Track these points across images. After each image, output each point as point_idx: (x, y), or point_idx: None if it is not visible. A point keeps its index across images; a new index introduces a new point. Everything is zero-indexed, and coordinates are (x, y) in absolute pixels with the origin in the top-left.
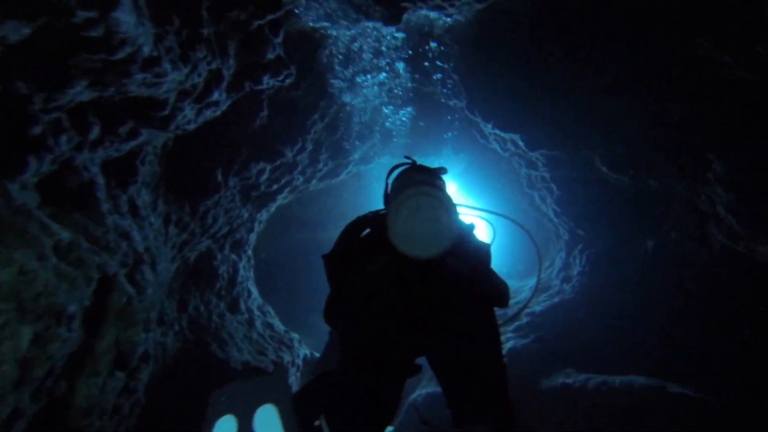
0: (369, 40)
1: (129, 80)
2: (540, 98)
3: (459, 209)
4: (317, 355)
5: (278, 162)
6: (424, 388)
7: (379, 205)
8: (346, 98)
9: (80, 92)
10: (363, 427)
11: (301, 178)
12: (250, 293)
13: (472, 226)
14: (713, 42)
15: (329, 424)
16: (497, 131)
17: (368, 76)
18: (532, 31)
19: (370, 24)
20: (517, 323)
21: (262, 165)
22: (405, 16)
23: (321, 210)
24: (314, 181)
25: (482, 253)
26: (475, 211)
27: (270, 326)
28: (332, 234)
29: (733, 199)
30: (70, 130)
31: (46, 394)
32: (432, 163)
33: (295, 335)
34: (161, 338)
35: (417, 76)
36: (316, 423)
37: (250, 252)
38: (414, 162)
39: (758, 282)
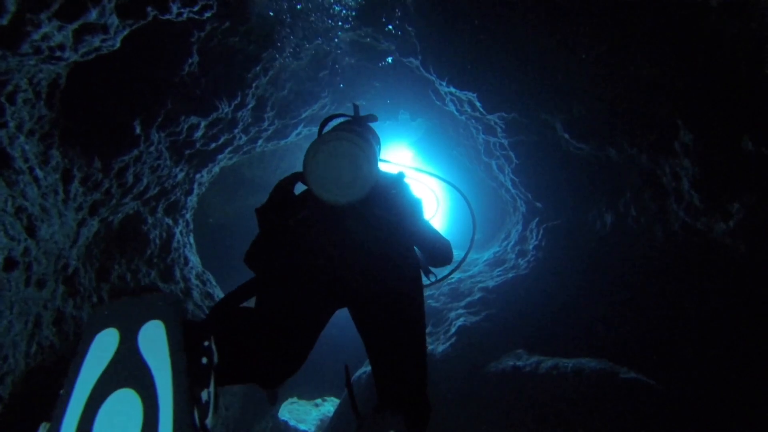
0: None
1: None
2: (498, 54)
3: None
4: None
5: (213, 117)
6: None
7: None
8: (293, 51)
9: None
10: (260, 363)
11: (244, 137)
12: (187, 260)
13: (400, 177)
14: None
15: (219, 348)
16: (453, 89)
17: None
18: None
19: None
20: (469, 299)
21: (194, 119)
22: None
23: (274, 173)
24: (260, 141)
25: (410, 204)
26: (413, 172)
27: (209, 296)
28: None
29: (698, 173)
30: None
31: None
32: (389, 127)
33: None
34: (73, 311)
35: (370, 29)
36: (205, 343)
37: (188, 216)
38: (355, 112)
39: (714, 262)
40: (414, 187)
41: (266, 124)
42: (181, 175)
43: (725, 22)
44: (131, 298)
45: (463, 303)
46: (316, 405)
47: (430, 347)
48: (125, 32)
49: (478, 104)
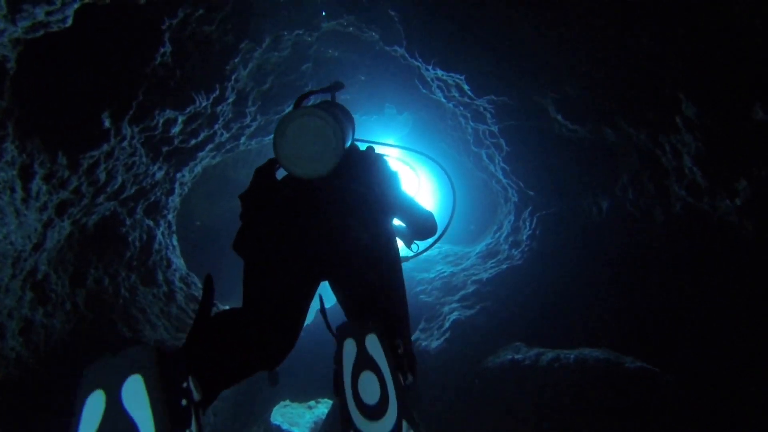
0: None
1: None
2: (487, 32)
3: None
4: None
5: (190, 111)
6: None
7: None
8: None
9: None
10: (256, 347)
11: (226, 134)
12: (170, 263)
13: (371, 150)
14: None
15: (207, 362)
16: (440, 72)
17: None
18: None
19: None
20: (462, 292)
21: (170, 113)
22: None
23: None
24: (243, 138)
25: (385, 176)
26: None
27: (194, 299)
28: None
29: (701, 148)
30: None
31: None
32: (375, 122)
33: (225, 308)
34: (44, 319)
35: (353, 17)
36: (184, 384)
37: (171, 217)
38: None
39: (719, 244)
40: (391, 162)
41: (248, 119)
42: (160, 174)
43: None
44: (112, 356)
45: (456, 297)
46: (310, 407)
47: (423, 344)
48: (75, 5)
49: (466, 87)
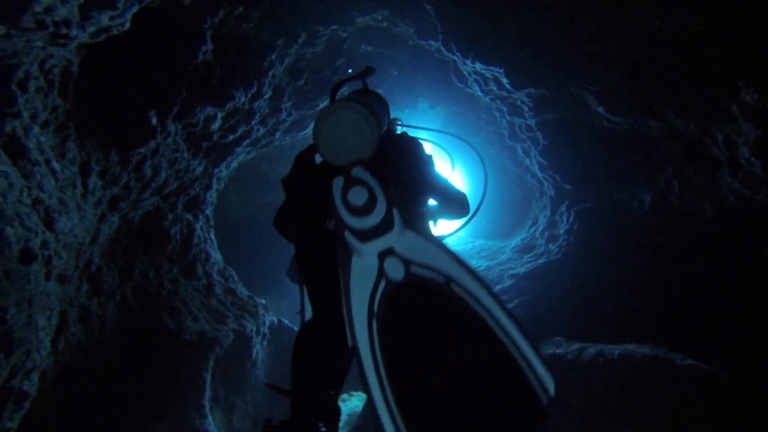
0: None
1: None
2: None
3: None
4: (286, 322)
5: (230, 107)
6: None
7: None
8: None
9: None
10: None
11: (262, 129)
12: (209, 256)
13: (405, 135)
14: None
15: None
16: (478, 65)
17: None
18: None
19: None
20: (499, 286)
21: (210, 110)
22: None
23: None
24: (278, 133)
25: (419, 159)
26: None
27: (232, 292)
28: None
29: (761, 137)
30: None
31: None
32: (407, 116)
33: (261, 301)
34: (98, 309)
35: (387, 12)
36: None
37: (208, 212)
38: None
39: None
40: (425, 146)
41: (284, 115)
42: (199, 169)
43: None
44: None
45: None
46: (343, 401)
47: None
48: (134, 9)
49: (504, 81)
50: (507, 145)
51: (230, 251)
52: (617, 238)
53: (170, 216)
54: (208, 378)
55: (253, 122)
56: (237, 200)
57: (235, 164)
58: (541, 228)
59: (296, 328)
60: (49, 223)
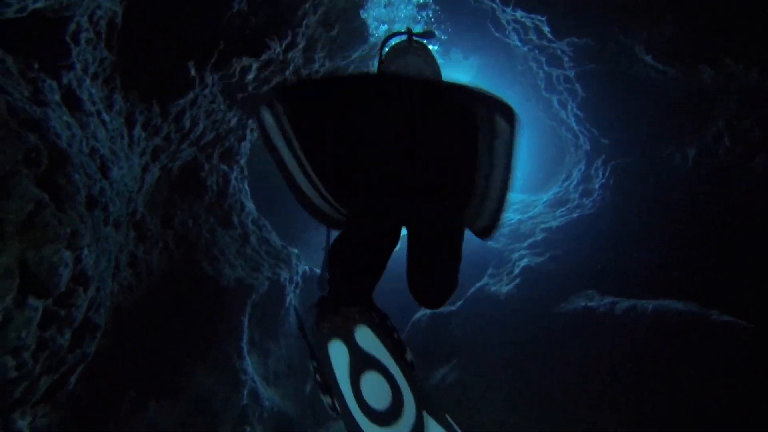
0: None
1: None
2: None
3: None
4: (317, 271)
5: (265, 58)
6: None
7: None
8: None
9: None
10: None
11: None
12: (243, 206)
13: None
14: None
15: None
16: (519, 13)
17: None
18: None
19: None
20: (531, 239)
21: (246, 61)
22: None
23: None
24: None
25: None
26: None
27: (266, 241)
28: None
29: None
30: None
31: None
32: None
33: (294, 250)
34: (144, 255)
35: None
36: (388, 323)
37: (243, 162)
38: (409, 30)
39: None
40: None
41: (317, 65)
42: (234, 121)
43: None
44: (332, 315)
45: (525, 244)
46: None
47: (492, 288)
48: None
49: (546, 29)
50: (542, 97)
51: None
52: (655, 194)
53: (207, 166)
54: (246, 322)
55: (287, 73)
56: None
57: None
58: (575, 182)
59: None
60: (104, 171)
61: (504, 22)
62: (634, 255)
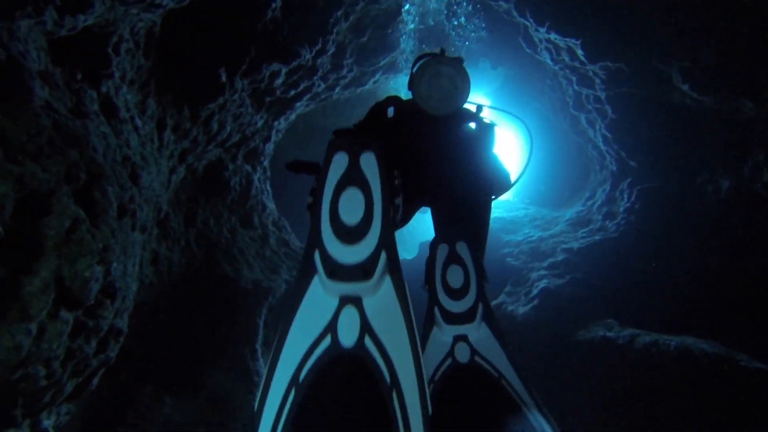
0: None
1: None
2: None
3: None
4: None
5: (294, 64)
6: None
7: None
8: None
9: None
10: None
11: (323, 85)
12: (264, 207)
13: (480, 108)
14: None
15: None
16: (553, 36)
17: None
18: None
19: None
20: (551, 259)
21: (276, 66)
22: None
23: (347, 121)
24: (338, 88)
25: (484, 132)
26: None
27: (285, 243)
28: None
29: None
30: None
31: None
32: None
33: None
34: (167, 252)
35: None
36: (395, 172)
37: (266, 163)
38: (442, 50)
39: None
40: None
41: (345, 71)
42: (260, 123)
43: None
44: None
45: (545, 263)
46: None
47: (509, 308)
48: None
49: (579, 53)
50: (570, 113)
51: (282, 200)
52: (683, 223)
53: (231, 167)
54: (261, 324)
55: (315, 78)
56: (289, 150)
57: (293, 117)
58: (599, 203)
59: None
60: (135, 178)
61: (536, 40)
62: (657, 286)
